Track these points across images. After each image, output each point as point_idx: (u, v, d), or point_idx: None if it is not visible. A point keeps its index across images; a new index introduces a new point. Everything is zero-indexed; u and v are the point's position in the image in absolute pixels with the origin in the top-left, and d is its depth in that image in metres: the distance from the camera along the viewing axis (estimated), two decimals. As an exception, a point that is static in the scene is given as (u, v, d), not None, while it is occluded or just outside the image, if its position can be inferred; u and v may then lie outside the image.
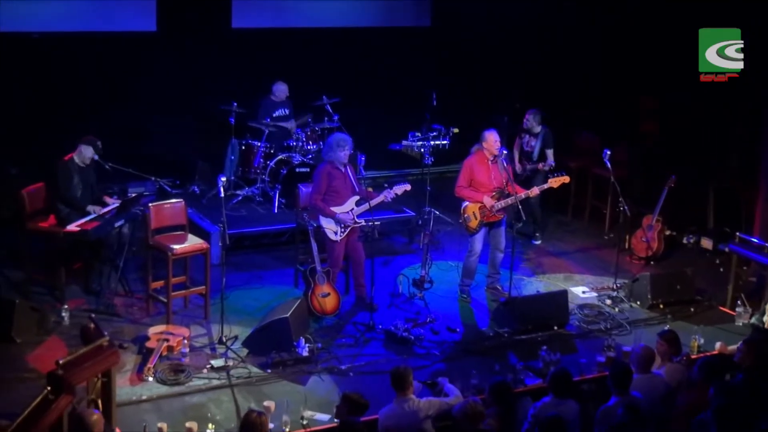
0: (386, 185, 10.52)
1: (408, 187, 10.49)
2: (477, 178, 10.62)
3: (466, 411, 6.99)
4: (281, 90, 13.30)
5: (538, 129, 12.61)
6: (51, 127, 12.53)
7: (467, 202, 10.66)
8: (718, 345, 9.54)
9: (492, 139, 10.55)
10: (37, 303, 9.92)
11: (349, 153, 10.31)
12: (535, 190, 10.79)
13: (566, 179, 10.81)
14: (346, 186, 10.31)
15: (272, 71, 13.51)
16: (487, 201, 10.52)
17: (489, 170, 10.62)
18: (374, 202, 10.29)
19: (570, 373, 7.64)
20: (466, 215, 10.68)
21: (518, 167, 12.64)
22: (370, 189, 10.71)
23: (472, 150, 11.11)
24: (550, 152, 12.53)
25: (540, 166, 12.46)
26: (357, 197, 10.32)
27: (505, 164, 10.64)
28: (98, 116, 12.74)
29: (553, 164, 12.38)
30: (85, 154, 10.27)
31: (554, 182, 10.75)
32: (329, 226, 10.27)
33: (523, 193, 10.55)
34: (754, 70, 11.43)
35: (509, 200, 10.48)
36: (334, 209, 10.23)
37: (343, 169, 10.31)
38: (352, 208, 10.29)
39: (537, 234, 12.89)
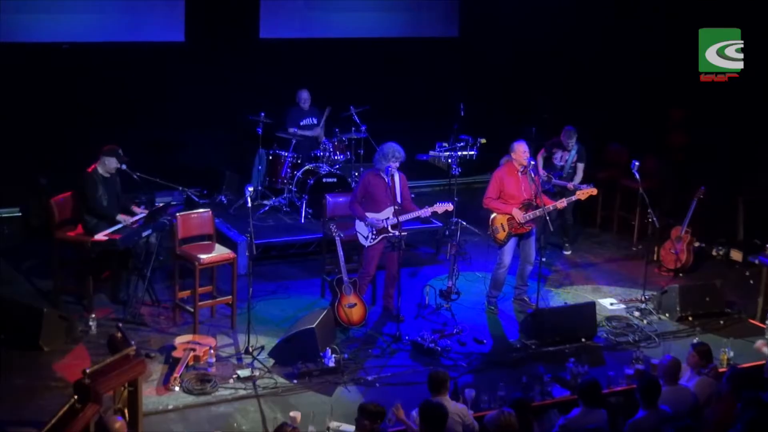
0: (412, 195, 10.51)
1: (450, 207, 10.41)
2: (507, 190, 10.57)
3: (500, 422, 6.96)
4: (303, 97, 13.33)
5: (573, 145, 12.51)
6: (80, 137, 12.59)
7: (495, 214, 10.63)
8: (758, 342, 9.46)
9: (521, 150, 10.51)
10: (65, 312, 9.96)
11: (396, 165, 10.29)
12: (563, 202, 10.75)
13: (594, 191, 10.77)
14: (386, 196, 10.29)
15: (300, 82, 13.54)
16: (517, 213, 10.47)
17: (519, 182, 10.58)
18: (408, 216, 10.29)
19: (599, 383, 7.61)
20: (494, 226, 10.64)
21: (542, 173, 12.42)
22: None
23: (501, 162, 11.07)
24: (581, 167, 12.44)
25: (570, 185, 12.16)
26: (396, 207, 10.28)
27: (534, 175, 10.60)
28: (126, 126, 12.80)
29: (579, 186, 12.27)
30: (108, 164, 10.29)
31: (582, 194, 10.71)
32: (361, 231, 10.29)
33: (551, 205, 10.51)
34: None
35: (537, 212, 10.43)
36: (368, 214, 10.24)
37: (387, 179, 10.30)
38: (388, 218, 10.27)
39: (567, 245, 12.84)
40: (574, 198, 10.78)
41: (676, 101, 13.99)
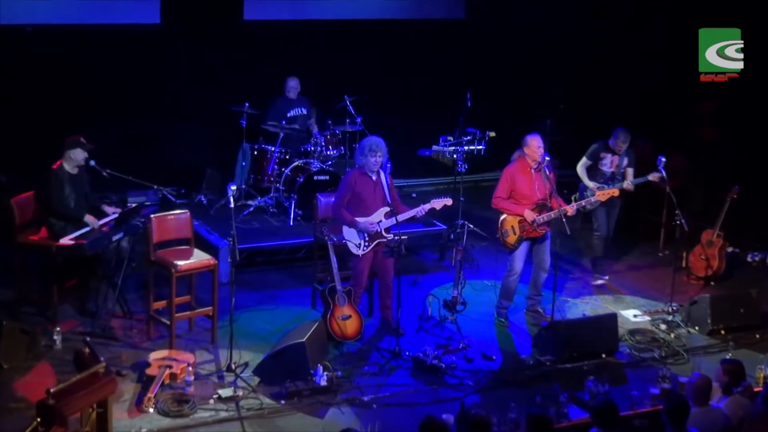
0: (414, 195, 10.51)
1: (449, 201, 10.45)
2: (519, 189, 10.57)
3: None
4: (292, 86, 13.32)
5: (625, 148, 11.91)
6: (44, 130, 12.59)
7: (505, 215, 10.63)
8: None
9: (535, 145, 10.51)
10: (26, 324, 9.93)
11: (381, 159, 10.30)
12: (578, 204, 10.72)
13: (615, 192, 10.80)
14: (375, 195, 10.30)
15: (288, 68, 13.55)
16: (528, 214, 10.48)
17: (532, 180, 10.58)
18: (404, 216, 10.28)
19: (615, 404, 7.59)
20: (503, 229, 10.64)
21: (594, 186, 11.64)
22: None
23: (512, 157, 11.07)
24: (631, 171, 11.88)
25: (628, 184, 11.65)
26: (387, 209, 10.29)
27: (549, 172, 10.60)
28: (96, 118, 12.82)
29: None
30: (75, 157, 10.26)
31: (602, 195, 10.72)
32: (351, 239, 10.26)
33: (562, 209, 10.47)
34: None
35: (552, 214, 10.43)
36: (358, 219, 10.22)
37: (374, 177, 10.30)
38: (380, 220, 10.27)
39: (596, 274, 12.24)
40: (593, 199, 10.76)
41: (706, 92, 14.05)
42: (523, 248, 10.68)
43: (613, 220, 12.01)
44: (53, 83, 12.93)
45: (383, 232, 10.27)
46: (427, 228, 12.49)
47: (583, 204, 10.80)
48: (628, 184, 11.62)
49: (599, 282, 12.11)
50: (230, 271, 10.05)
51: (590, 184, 11.70)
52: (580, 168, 11.90)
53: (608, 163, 11.89)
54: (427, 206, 10.36)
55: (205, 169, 13.72)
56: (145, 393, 8.87)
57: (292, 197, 12.62)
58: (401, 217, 10.24)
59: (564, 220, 10.38)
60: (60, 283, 10.33)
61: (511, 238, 10.61)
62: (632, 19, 14.76)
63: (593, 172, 11.88)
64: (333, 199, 10.55)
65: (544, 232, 10.67)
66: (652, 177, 11.41)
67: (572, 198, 11.77)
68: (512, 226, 10.58)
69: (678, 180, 12.09)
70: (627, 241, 13.62)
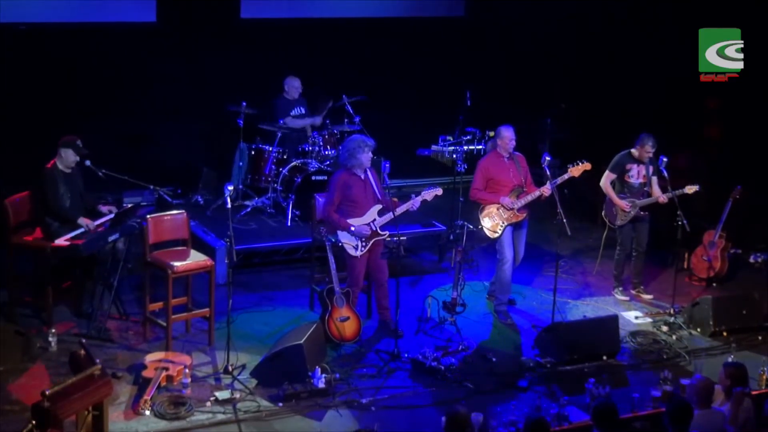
0: (413, 196, 10.52)
1: (439, 191, 10.49)
2: (495, 179, 10.79)
3: None
4: (294, 86, 13.32)
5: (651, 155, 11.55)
6: (38, 129, 12.60)
7: (484, 206, 10.81)
8: None
9: (507, 137, 10.73)
10: (21, 326, 9.94)
11: (371, 156, 10.33)
12: (556, 181, 10.69)
13: (588, 166, 10.74)
14: (366, 194, 10.33)
15: (286, 67, 13.56)
16: (505, 201, 10.64)
17: (506, 168, 10.82)
18: (398, 210, 10.30)
19: (615, 406, 7.61)
20: (484, 219, 10.75)
21: (626, 205, 11.39)
22: (395, 199, 10.72)
23: (486, 147, 11.12)
24: (656, 180, 11.59)
25: (662, 198, 11.33)
26: (379, 206, 10.32)
27: (546, 168, 10.65)
28: (91, 117, 12.82)
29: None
30: (67, 157, 10.25)
31: (575, 171, 10.75)
32: (348, 241, 10.28)
33: (538, 191, 10.62)
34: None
35: (528, 196, 10.64)
36: (352, 221, 10.24)
37: (362, 176, 10.33)
38: (374, 219, 10.29)
39: (641, 287, 11.88)
40: (567, 176, 10.75)
41: (710, 89, 14.09)
42: (508, 233, 10.82)
43: (643, 237, 11.67)
44: (47, 82, 12.93)
45: (379, 230, 10.29)
46: (426, 229, 12.50)
47: (558, 182, 10.72)
48: (663, 197, 11.30)
49: (620, 297, 11.77)
50: (227, 273, 10.10)
51: (620, 203, 11.37)
52: (605, 182, 11.51)
53: (635, 174, 11.47)
54: (419, 198, 10.40)
55: (201, 169, 13.71)
56: (142, 395, 8.88)
57: (290, 197, 12.63)
58: (397, 211, 10.27)
59: (564, 221, 10.40)
60: (55, 285, 10.32)
61: (494, 226, 10.70)
62: (632, 18, 14.80)
63: (620, 186, 11.52)
64: (322, 203, 10.55)
65: (523, 217, 10.81)
66: (689, 189, 11.22)
67: (602, 214, 11.80)
68: (493, 215, 10.70)
69: (680, 179, 12.06)
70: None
